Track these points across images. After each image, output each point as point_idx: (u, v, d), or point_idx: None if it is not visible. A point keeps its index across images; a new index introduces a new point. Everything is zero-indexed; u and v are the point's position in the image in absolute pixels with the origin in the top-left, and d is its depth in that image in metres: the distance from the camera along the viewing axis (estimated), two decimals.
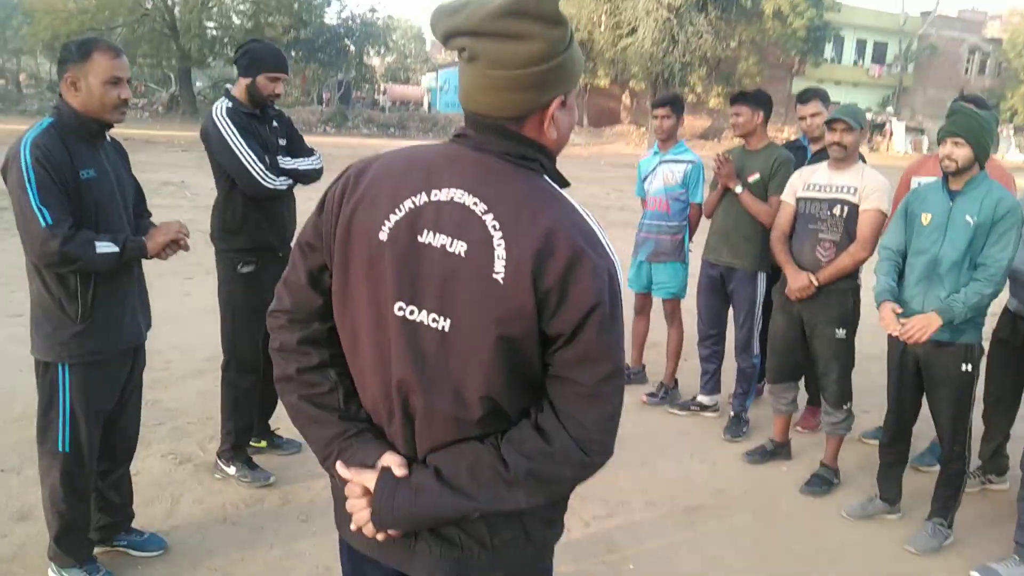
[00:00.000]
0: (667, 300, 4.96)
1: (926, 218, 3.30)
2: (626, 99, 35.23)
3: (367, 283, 1.34)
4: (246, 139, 3.40)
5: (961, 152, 3.17)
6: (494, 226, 1.27)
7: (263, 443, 3.90)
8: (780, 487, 3.96)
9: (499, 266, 1.26)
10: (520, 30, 1.25)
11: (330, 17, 40.27)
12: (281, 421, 4.03)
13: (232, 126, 3.40)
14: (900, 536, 3.51)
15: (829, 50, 44.98)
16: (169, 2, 35.61)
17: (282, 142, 3.68)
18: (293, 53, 41.15)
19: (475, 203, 1.29)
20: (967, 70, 51.71)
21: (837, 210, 3.69)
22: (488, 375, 1.30)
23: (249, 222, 3.53)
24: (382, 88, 49.33)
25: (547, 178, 1.37)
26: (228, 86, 3.69)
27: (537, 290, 1.25)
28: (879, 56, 49.54)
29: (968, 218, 3.17)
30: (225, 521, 3.31)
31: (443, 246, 1.29)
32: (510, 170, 1.33)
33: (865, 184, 3.66)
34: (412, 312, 1.32)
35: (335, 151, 24.42)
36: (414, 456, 1.39)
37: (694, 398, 4.87)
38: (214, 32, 37.41)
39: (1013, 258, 3.20)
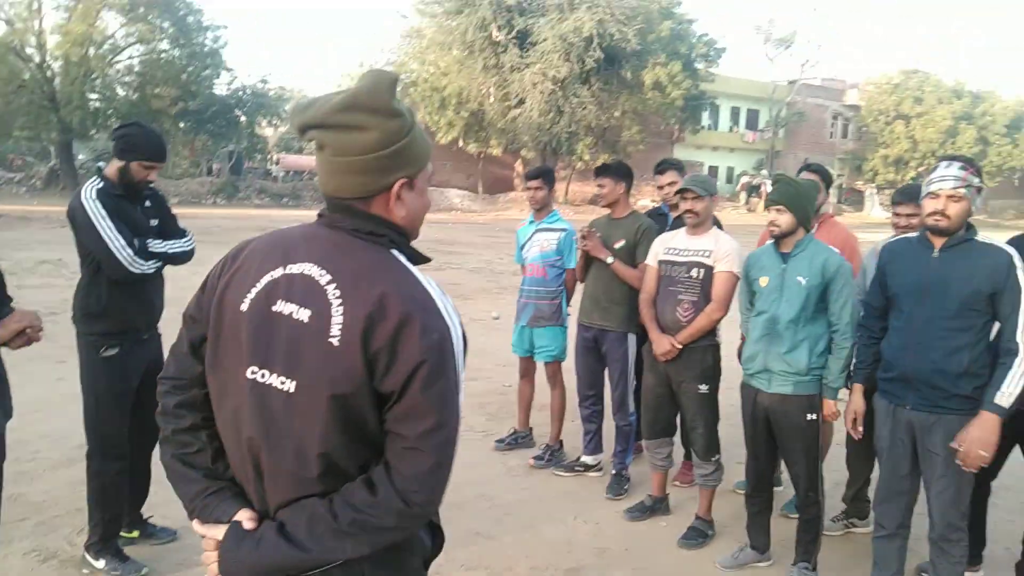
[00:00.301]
0: (548, 363, 5.12)
1: (764, 281, 3.61)
2: (519, 167, 36.21)
3: (231, 350, 1.48)
4: (115, 222, 3.36)
5: (784, 218, 3.51)
6: (335, 295, 1.41)
7: (135, 533, 3.76)
8: (659, 541, 4.09)
9: (335, 330, 1.38)
10: (357, 122, 1.42)
11: (219, 88, 39.82)
12: (154, 508, 3.90)
13: (101, 208, 3.36)
14: None
15: (706, 118, 47.71)
16: (48, 73, 34.47)
17: (154, 222, 3.65)
18: (181, 124, 40.42)
19: (321, 274, 1.43)
20: (832, 134, 55.84)
21: (694, 272, 3.95)
22: (324, 433, 1.40)
23: (114, 305, 3.46)
24: (275, 158, 48.87)
25: (395, 252, 1.50)
26: (100, 164, 3.65)
27: (367, 351, 1.37)
28: (752, 122, 52.92)
29: (800, 279, 3.49)
30: None
31: (291, 313, 1.43)
32: (358, 245, 1.47)
33: (719, 248, 3.95)
34: (263, 376, 1.44)
35: (225, 223, 24.00)
36: (268, 512, 1.48)
37: (578, 459, 5.00)
38: (97, 104, 36.29)
39: (856, 309, 3.50)
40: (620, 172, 4.67)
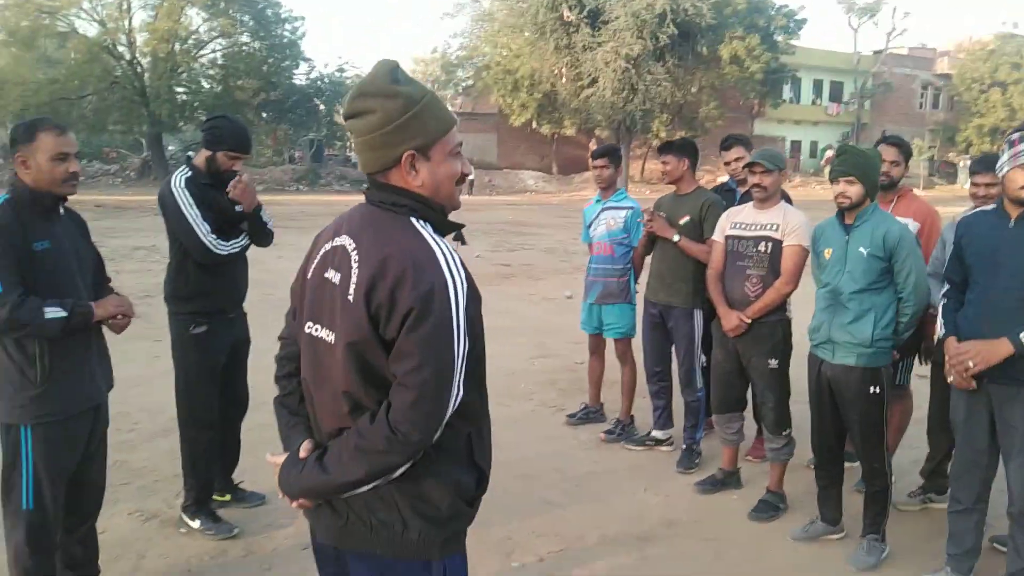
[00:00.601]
0: (618, 340, 5.17)
1: (828, 253, 3.58)
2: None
3: (303, 311, 1.81)
4: (201, 209, 3.58)
5: (854, 189, 3.45)
6: (356, 260, 1.67)
7: (227, 496, 4.01)
8: (729, 514, 4.12)
9: (352, 289, 1.65)
10: (365, 106, 1.68)
11: (299, 78, 40.84)
12: (245, 474, 4.15)
13: (189, 196, 3.59)
14: (842, 555, 3.67)
15: (787, 91, 46.29)
16: (138, 69, 36.02)
17: (238, 208, 3.85)
18: (264, 115, 41.65)
19: (350, 244, 1.71)
20: (921, 104, 53.40)
21: (762, 247, 3.94)
22: (346, 375, 1.67)
23: (201, 287, 3.69)
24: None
25: (413, 219, 1.71)
26: (190, 153, 3.87)
27: (370, 305, 1.61)
28: (836, 95, 51.07)
29: (862, 250, 3.45)
30: (189, 573, 3.41)
31: (331, 278, 1.72)
32: (381, 215, 1.72)
33: (787, 221, 3.92)
34: (316, 329, 1.75)
35: (308, 209, 24.73)
36: (322, 443, 1.77)
37: (649, 433, 5.05)
38: (184, 97, 37.81)
39: (921, 275, 3.45)
40: (684, 149, 4.67)
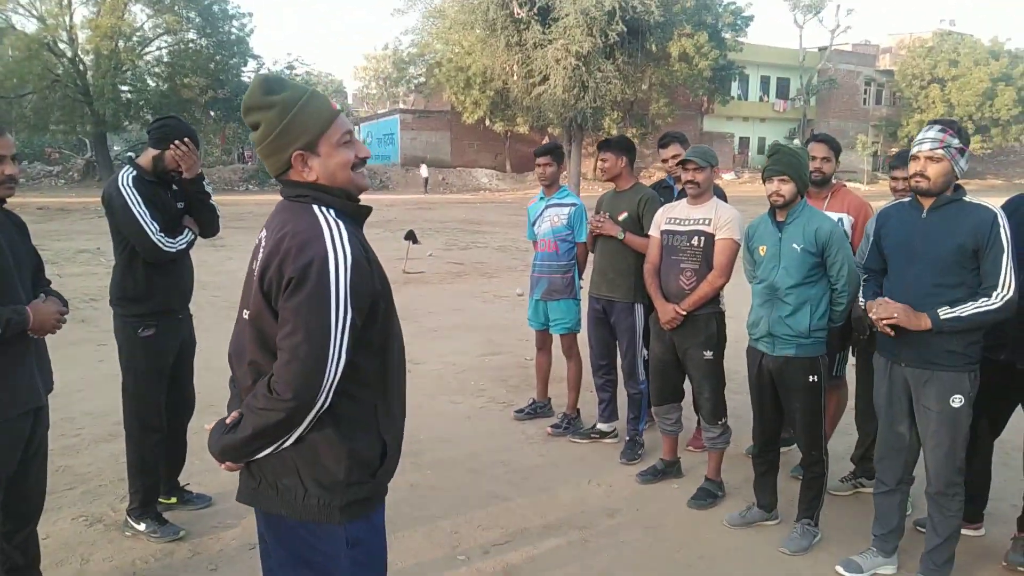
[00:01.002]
0: (563, 335, 5.27)
1: (762, 250, 3.72)
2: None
3: (240, 300, 2.00)
4: (149, 208, 3.59)
5: (787, 187, 3.59)
6: (264, 247, 1.85)
7: (174, 499, 4.00)
8: (670, 503, 4.25)
9: (257, 268, 1.84)
10: (253, 120, 1.86)
11: (247, 76, 40.28)
12: (192, 476, 4.15)
13: (136, 194, 3.59)
14: (776, 539, 3.81)
15: (735, 88, 47.11)
16: (81, 67, 35.16)
17: (180, 205, 3.86)
18: (212, 113, 41.01)
19: (264, 234, 1.90)
20: (865, 100, 54.79)
21: (695, 241, 4.07)
22: (250, 344, 1.85)
23: (150, 288, 3.68)
24: None
25: (315, 207, 1.85)
26: (130, 154, 3.88)
27: (263, 281, 1.79)
28: (783, 91, 52.14)
29: (795, 246, 3.59)
30: (135, 575, 3.41)
31: (252, 266, 1.89)
32: (290, 206, 1.89)
33: (719, 216, 4.06)
34: (245, 312, 1.91)
35: (257, 209, 24.46)
36: None
37: (594, 426, 5.16)
38: (129, 96, 37.00)
39: (852, 266, 3.60)
40: (621, 146, 4.79)
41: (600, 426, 5.14)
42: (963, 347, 3.14)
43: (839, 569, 3.53)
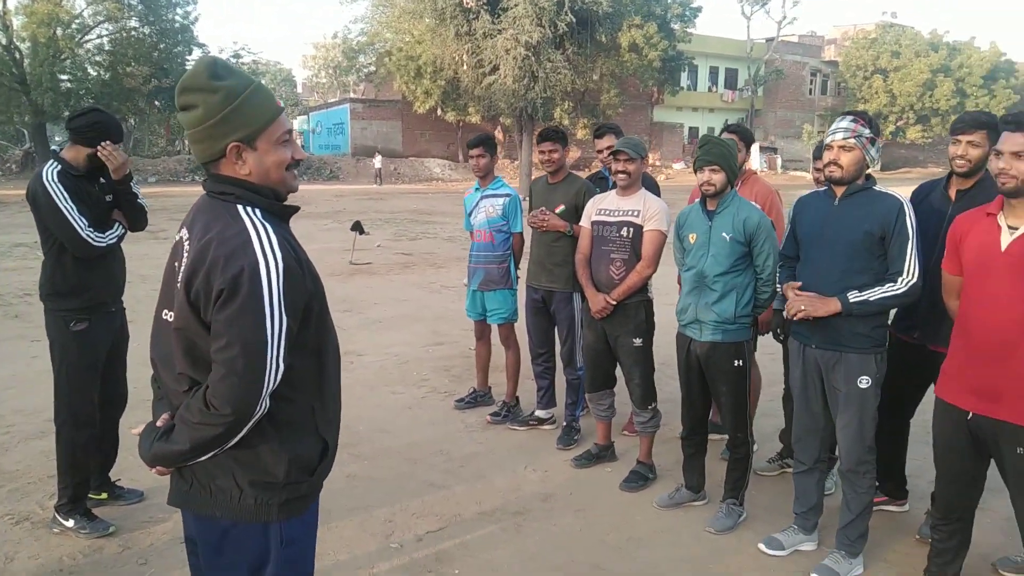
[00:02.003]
0: (501, 325, 5.33)
1: (692, 238, 3.82)
2: (498, 134, 36.29)
3: (159, 298, 1.92)
4: (76, 202, 3.54)
5: (718, 177, 3.70)
6: (187, 249, 1.78)
7: (104, 495, 3.97)
8: (603, 486, 4.35)
9: (180, 276, 1.76)
10: (189, 101, 1.78)
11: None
12: (124, 472, 4.12)
13: (63, 189, 3.53)
14: (703, 520, 3.93)
15: (685, 78, 47.62)
16: (16, 55, 34.00)
17: (108, 198, 3.81)
18: (156, 102, 40.05)
19: (185, 234, 1.82)
20: (811, 90, 55.85)
21: (625, 231, 4.16)
22: (180, 358, 1.78)
23: (80, 282, 3.64)
24: None
25: (240, 206, 1.79)
26: (55, 148, 3.80)
27: (190, 292, 1.72)
28: (731, 82, 52.88)
29: (724, 235, 3.70)
30: (62, 572, 3.38)
31: (175, 266, 1.81)
32: (212, 205, 1.82)
33: (647, 208, 4.15)
34: (165, 314, 1.85)
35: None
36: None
37: (532, 413, 5.24)
38: (68, 85, 35.92)
39: (777, 257, 3.72)
40: (564, 136, 4.87)
41: (538, 413, 5.22)
42: (869, 330, 3.28)
43: (761, 546, 3.66)
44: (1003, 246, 2.80)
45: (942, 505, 3.13)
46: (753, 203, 3.89)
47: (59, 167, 3.60)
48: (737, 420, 3.86)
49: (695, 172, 3.80)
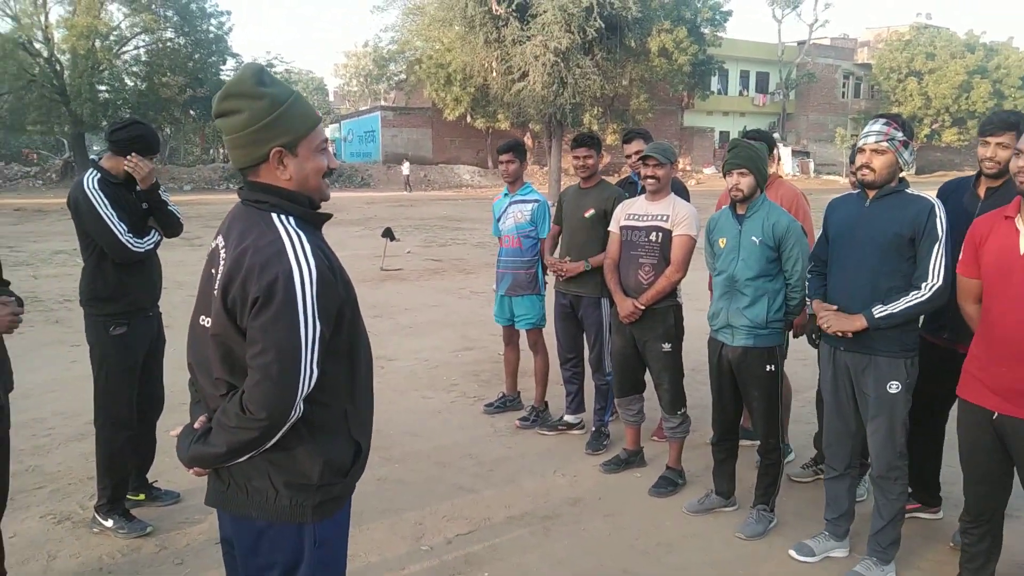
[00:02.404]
0: (529, 331, 5.36)
1: (722, 242, 3.82)
2: (527, 141, 36.40)
3: (196, 304, 1.96)
4: (116, 209, 3.65)
5: (746, 180, 3.69)
6: (223, 257, 1.82)
7: (142, 496, 4.06)
8: (632, 491, 4.35)
9: (217, 284, 1.80)
10: (232, 107, 1.81)
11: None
12: (161, 474, 4.21)
13: (103, 196, 3.65)
14: (733, 525, 3.91)
15: (715, 83, 47.37)
16: (57, 67, 34.85)
17: (145, 205, 3.91)
18: (191, 112, 40.75)
19: (221, 242, 1.86)
20: (843, 94, 55.22)
21: (654, 236, 4.16)
22: (217, 363, 1.83)
23: (120, 287, 3.74)
24: None
25: (274, 214, 1.83)
26: (94, 157, 3.90)
27: (226, 299, 1.76)
28: (762, 86, 52.44)
29: (754, 239, 3.69)
30: (101, 571, 3.46)
31: (213, 273, 1.86)
32: (247, 213, 1.86)
33: (676, 212, 4.15)
34: (202, 319, 1.89)
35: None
36: None
37: (561, 418, 5.25)
38: (106, 95, 36.77)
39: (807, 264, 3.71)
40: (598, 143, 4.91)
41: (567, 418, 5.23)
42: (899, 334, 3.25)
43: (792, 552, 3.64)
44: (1022, 249, 2.78)
45: (971, 507, 3.10)
46: (783, 208, 3.88)
47: (99, 175, 3.71)
48: (769, 426, 3.84)
49: (724, 176, 3.80)
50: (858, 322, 3.24)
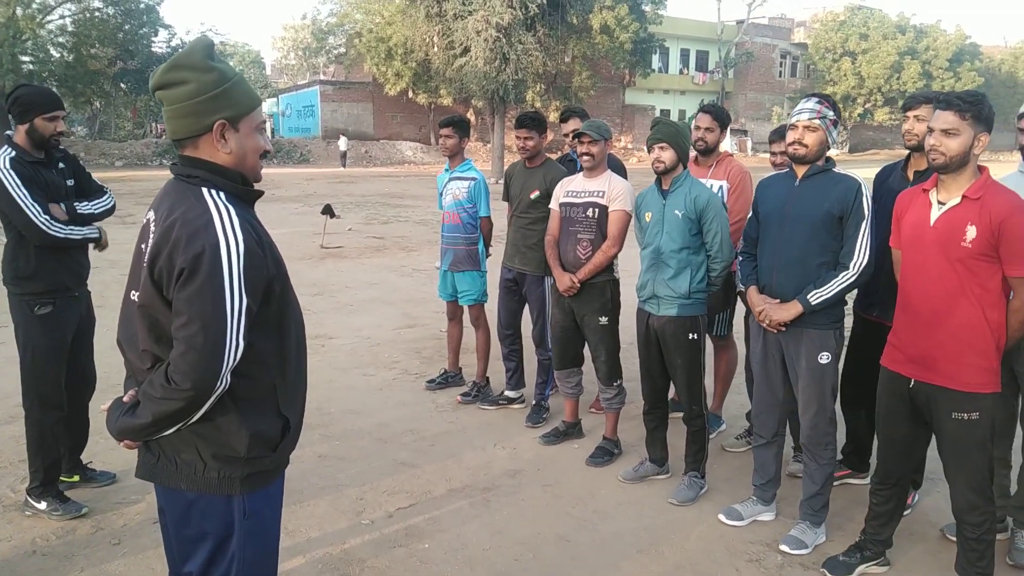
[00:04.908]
0: (471, 306, 5.40)
1: (648, 216, 3.93)
2: (471, 117, 36.20)
3: (128, 280, 1.98)
4: (30, 189, 3.51)
5: (667, 154, 3.82)
6: (153, 231, 1.84)
7: (76, 477, 3.99)
8: (570, 462, 4.45)
9: (147, 256, 1.83)
10: (179, 77, 1.84)
11: (159, 46, 38.74)
12: (96, 455, 4.14)
13: (15, 176, 3.50)
14: (667, 492, 4.05)
15: (656, 61, 47.71)
16: None
17: (70, 183, 3.80)
18: (122, 85, 39.33)
19: (152, 216, 1.89)
20: (780, 73, 56.22)
21: (591, 212, 4.24)
22: (143, 334, 1.86)
23: (43, 267, 3.63)
24: None
25: (205, 189, 1.86)
26: (8, 133, 3.75)
27: (153, 270, 1.79)
28: (702, 64, 53.06)
29: (677, 212, 3.82)
30: (35, 554, 3.41)
31: (142, 248, 1.88)
32: (179, 187, 1.88)
33: (612, 188, 4.23)
34: (133, 294, 1.91)
35: None
36: None
37: (502, 393, 5.32)
38: (31, 67, 35.07)
39: (726, 235, 3.85)
40: (541, 124, 4.95)
41: (508, 393, 5.30)
42: (827, 307, 3.40)
43: (722, 517, 3.79)
44: (932, 221, 2.94)
45: (882, 471, 3.28)
46: (705, 183, 4.00)
47: (13, 153, 3.56)
48: (692, 393, 3.97)
49: (648, 151, 3.90)
50: (795, 309, 3.38)
